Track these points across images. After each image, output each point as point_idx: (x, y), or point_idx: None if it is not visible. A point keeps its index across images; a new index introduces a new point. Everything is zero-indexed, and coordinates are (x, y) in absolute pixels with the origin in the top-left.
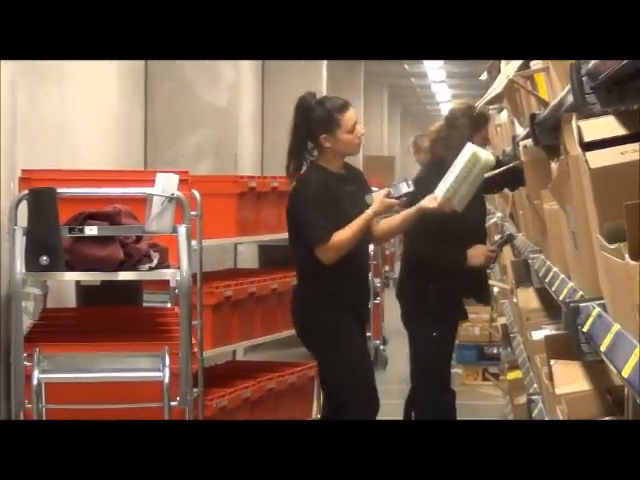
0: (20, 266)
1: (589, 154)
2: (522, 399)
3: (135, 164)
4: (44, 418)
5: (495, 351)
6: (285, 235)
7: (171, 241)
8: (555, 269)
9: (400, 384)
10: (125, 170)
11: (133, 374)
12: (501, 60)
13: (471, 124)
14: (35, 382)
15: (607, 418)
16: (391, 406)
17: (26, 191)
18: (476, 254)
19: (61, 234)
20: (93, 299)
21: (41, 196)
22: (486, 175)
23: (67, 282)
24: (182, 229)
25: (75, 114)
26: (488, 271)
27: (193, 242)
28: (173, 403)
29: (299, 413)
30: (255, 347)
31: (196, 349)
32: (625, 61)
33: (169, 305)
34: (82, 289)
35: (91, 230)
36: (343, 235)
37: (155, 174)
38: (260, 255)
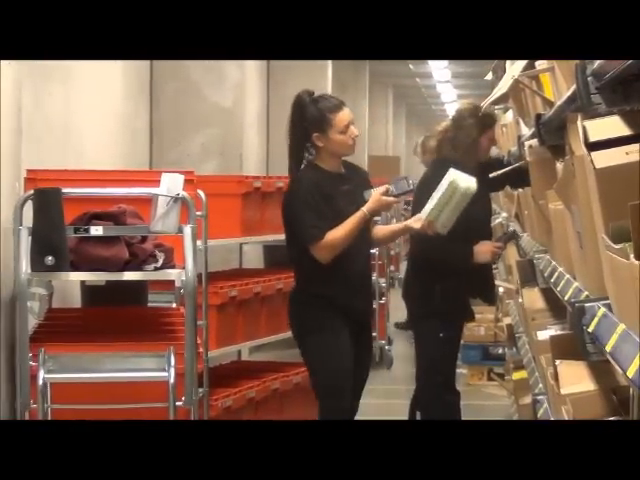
0: (25, 266)
1: (594, 154)
2: (527, 399)
3: (140, 164)
4: (49, 418)
5: (500, 351)
6: None
7: (176, 241)
8: (560, 269)
9: (405, 384)
10: (130, 170)
11: (138, 374)
12: (506, 60)
13: (478, 125)
14: (40, 382)
15: (612, 418)
16: (396, 406)
17: (31, 191)
18: (482, 250)
19: (66, 234)
20: (98, 299)
21: (46, 196)
22: (491, 175)
23: (72, 282)
24: (187, 229)
25: (80, 114)
26: (494, 271)
27: (198, 242)
28: (178, 403)
29: (304, 413)
30: (260, 347)
31: (201, 349)
32: (630, 61)
33: (174, 305)
34: (87, 289)
35: (96, 230)
36: (337, 234)
37: (160, 174)
38: (265, 255)
